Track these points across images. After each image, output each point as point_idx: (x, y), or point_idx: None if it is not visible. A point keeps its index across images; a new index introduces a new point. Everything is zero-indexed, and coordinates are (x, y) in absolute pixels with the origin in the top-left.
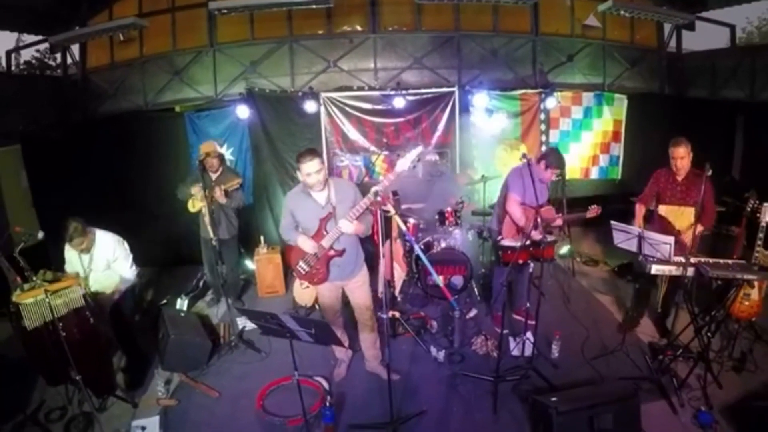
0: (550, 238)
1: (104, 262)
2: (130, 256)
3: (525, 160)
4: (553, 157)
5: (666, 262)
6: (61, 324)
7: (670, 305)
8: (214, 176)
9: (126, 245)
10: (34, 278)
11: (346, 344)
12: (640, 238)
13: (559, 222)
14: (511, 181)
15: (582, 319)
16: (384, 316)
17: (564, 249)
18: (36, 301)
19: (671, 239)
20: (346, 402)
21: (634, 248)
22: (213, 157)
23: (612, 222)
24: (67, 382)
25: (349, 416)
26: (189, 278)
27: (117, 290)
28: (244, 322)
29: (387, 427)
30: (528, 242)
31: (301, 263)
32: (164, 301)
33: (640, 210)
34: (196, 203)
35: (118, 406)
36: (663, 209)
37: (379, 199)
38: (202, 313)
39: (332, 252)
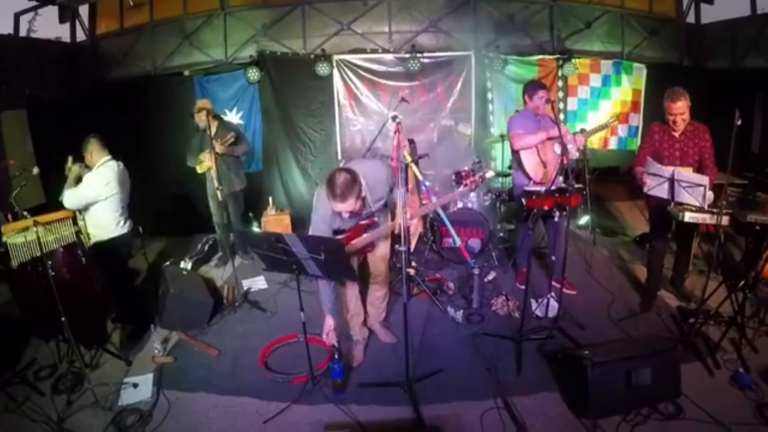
0: (577, 185)
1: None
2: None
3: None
4: (529, 85)
5: (700, 209)
6: (50, 262)
7: (684, 266)
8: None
9: (108, 182)
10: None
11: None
12: (672, 181)
13: (580, 141)
14: (509, 123)
15: (606, 285)
16: (402, 248)
17: (583, 220)
18: (26, 241)
19: (706, 179)
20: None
21: (664, 194)
22: (205, 111)
23: (648, 158)
24: (58, 335)
25: (360, 376)
26: (196, 246)
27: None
28: (249, 284)
29: (401, 386)
30: (552, 187)
31: None
32: (167, 263)
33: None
34: (204, 165)
35: (111, 364)
36: None
37: (398, 120)
38: (207, 276)
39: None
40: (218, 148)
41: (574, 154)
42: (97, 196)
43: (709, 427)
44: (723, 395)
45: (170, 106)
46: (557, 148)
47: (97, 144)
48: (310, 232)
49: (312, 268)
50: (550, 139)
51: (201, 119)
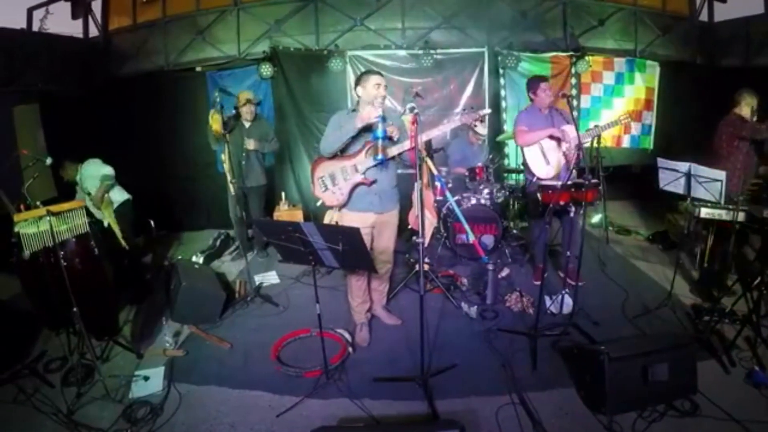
0: (593, 180)
1: (92, 179)
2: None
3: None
4: (530, 81)
5: (716, 205)
6: (62, 252)
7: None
8: (247, 124)
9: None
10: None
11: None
12: (689, 176)
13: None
14: (515, 120)
15: (620, 282)
16: (419, 240)
17: (596, 218)
18: (39, 232)
19: (722, 174)
20: (371, 356)
21: (680, 190)
22: (252, 104)
23: (659, 159)
24: (68, 327)
25: (374, 371)
26: (207, 241)
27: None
28: (261, 278)
29: (416, 381)
30: (569, 182)
31: (326, 177)
32: (179, 257)
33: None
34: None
35: (122, 357)
36: None
37: (416, 111)
38: (219, 270)
39: (361, 178)
40: (252, 144)
41: (571, 151)
42: (111, 169)
43: (725, 424)
44: (738, 393)
45: (182, 101)
46: (564, 146)
47: (69, 164)
48: (324, 138)
49: (328, 259)
50: (553, 138)
51: (250, 112)
